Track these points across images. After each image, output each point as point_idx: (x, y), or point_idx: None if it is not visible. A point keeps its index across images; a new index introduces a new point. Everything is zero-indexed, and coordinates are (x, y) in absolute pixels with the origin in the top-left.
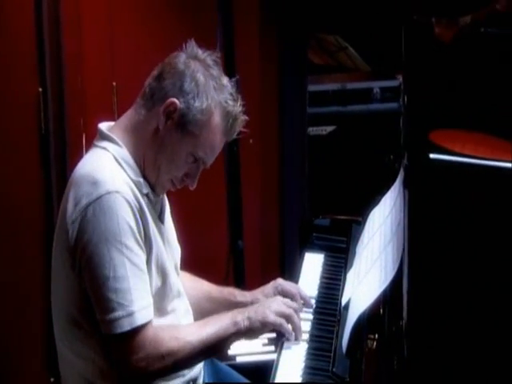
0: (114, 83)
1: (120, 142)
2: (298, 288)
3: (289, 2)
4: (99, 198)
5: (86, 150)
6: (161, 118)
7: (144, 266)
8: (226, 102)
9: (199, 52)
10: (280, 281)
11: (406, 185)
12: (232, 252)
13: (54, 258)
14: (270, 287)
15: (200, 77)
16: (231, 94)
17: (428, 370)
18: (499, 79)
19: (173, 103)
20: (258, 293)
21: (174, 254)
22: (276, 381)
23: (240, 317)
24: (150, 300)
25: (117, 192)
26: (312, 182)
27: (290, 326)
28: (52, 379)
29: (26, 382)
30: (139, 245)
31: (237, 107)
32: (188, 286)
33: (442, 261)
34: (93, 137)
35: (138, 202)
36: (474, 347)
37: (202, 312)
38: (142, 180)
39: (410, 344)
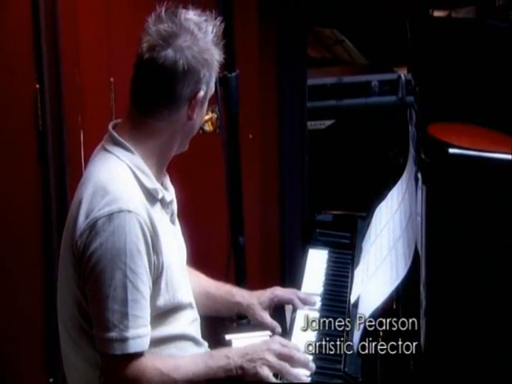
0: (112, 79)
1: (132, 149)
2: (295, 292)
3: None
4: (111, 214)
5: (84, 147)
6: (190, 112)
7: (147, 294)
8: (216, 39)
9: (167, 28)
10: (277, 291)
11: (424, 181)
12: (233, 248)
13: (61, 263)
14: (266, 297)
15: (201, 56)
16: (207, 25)
17: (445, 369)
18: (501, 72)
19: (200, 96)
20: (254, 297)
21: (182, 252)
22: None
23: (233, 364)
24: (147, 330)
25: (129, 212)
26: (311, 176)
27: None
28: (51, 379)
29: (24, 382)
30: (146, 271)
31: (219, 29)
32: None
33: (462, 258)
34: (91, 133)
35: (151, 221)
36: (494, 346)
37: (198, 306)
38: (157, 187)
39: (427, 343)
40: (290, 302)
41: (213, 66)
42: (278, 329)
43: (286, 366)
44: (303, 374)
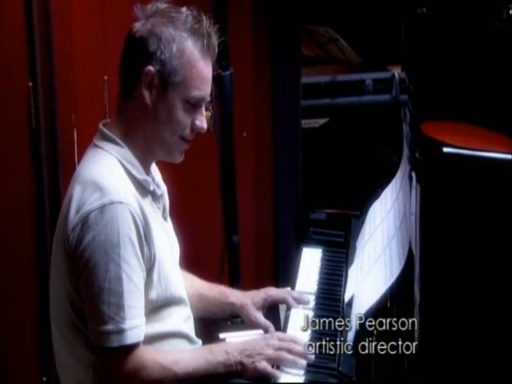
0: (106, 77)
1: (121, 142)
2: (288, 291)
3: None
4: (102, 206)
5: (78, 146)
6: (144, 94)
7: (141, 284)
8: (192, 28)
9: (148, 9)
10: (271, 291)
11: (418, 179)
12: (227, 247)
13: (54, 260)
14: (260, 297)
15: (157, 29)
16: (194, 18)
17: (439, 368)
18: (495, 71)
19: (148, 72)
20: (248, 297)
21: (176, 249)
22: (278, 380)
23: (233, 359)
24: (142, 320)
25: (120, 203)
26: (305, 175)
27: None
28: (44, 378)
29: (17, 381)
30: (139, 261)
31: (204, 24)
32: None
33: (456, 256)
34: (84, 132)
35: (142, 212)
36: (489, 345)
37: (192, 309)
38: (148, 178)
39: (421, 343)
40: (283, 301)
41: (172, 48)
42: (272, 329)
43: (282, 353)
44: (301, 363)
